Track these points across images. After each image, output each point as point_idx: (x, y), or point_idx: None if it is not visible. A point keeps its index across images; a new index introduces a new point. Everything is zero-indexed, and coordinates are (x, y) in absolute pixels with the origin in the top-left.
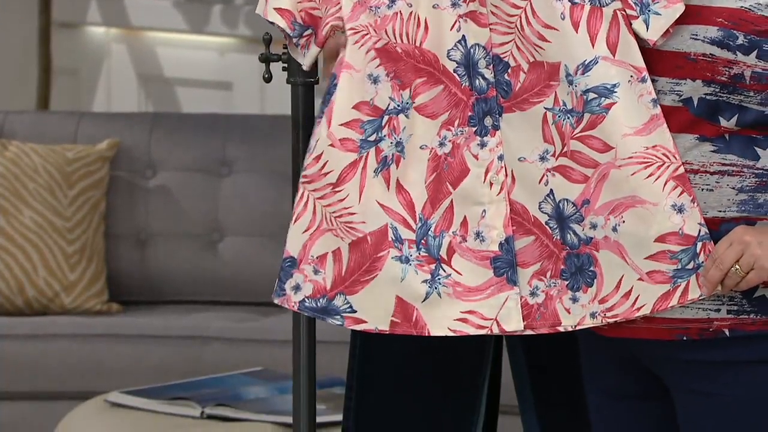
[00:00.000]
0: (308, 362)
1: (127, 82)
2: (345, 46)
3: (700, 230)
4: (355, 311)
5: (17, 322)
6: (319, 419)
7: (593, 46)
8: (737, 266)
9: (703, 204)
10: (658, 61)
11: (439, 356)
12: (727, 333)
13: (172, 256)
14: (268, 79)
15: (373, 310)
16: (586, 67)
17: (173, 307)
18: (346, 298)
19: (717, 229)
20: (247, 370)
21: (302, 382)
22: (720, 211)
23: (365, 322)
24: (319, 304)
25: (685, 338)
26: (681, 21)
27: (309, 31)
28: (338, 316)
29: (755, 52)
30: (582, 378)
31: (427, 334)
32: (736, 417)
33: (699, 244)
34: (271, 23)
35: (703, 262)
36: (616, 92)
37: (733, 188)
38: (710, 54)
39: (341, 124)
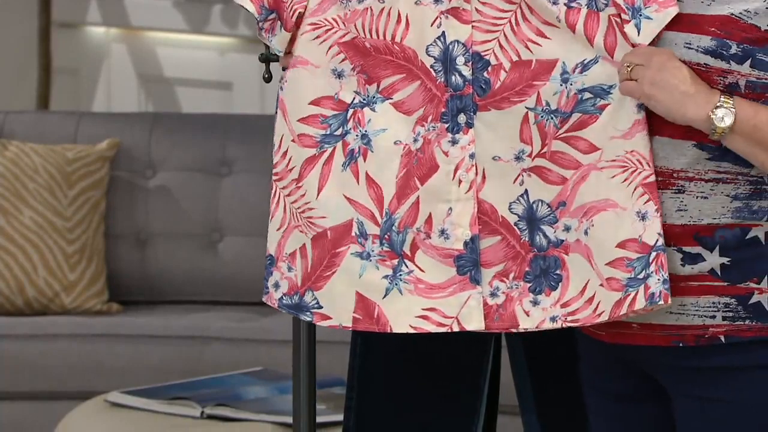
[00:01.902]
0: (308, 362)
1: (127, 82)
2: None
3: (657, 240)
4: (322, 307)
5: (17, 322)
6: (319, 419)
7: (592, 45)
8: (631, 67)
9: (698, 212)
10: None
11: (440, 357)
12: (723, 339)
13: (172, 256)
14: (268, 79)
15: (336, 306)
16: (585, 66)
17: (173, 307)
18: (313, 294)
19: (711, 235)
20: (247, 370)
21: (302, 382)
22: (714, 219)
23: (330, 318)
24: (293, 301)
25: (681, 344)
26: (673, 28)
27: (273, 15)
28: (308, 313)
29: (749, 61)
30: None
31: (389, 331)
32: (733, 422)
33: (653, 254)
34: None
35: (653, 272)
36: (611, 94)
37: (728, 196)
38: (704, 63)
39: (299, 120)
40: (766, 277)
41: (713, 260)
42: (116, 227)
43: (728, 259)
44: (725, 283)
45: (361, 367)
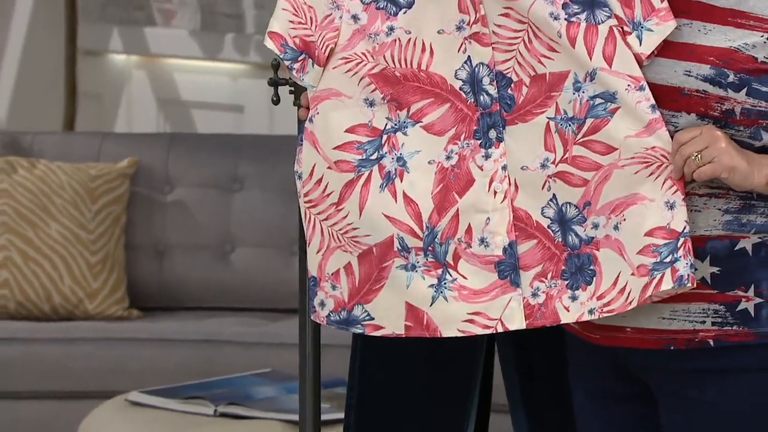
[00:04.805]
0: (313, 364)
1: (146, 105)
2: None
3: (685, 227)
4: (373, 318)
5: (45, 326)
6: (323, 417)
7: (591, 59)
8: (699, 155)
9: (692, 224)
10: (656, 94)
11: (433, 360)
12: (712, 343)
13: (187, 265)
14: (276, 101)
15: (388, 316)
16: (592, 75)
17: (189, 313)
18: (363, 308)
19: (703, 246)
20: (257, 372)
21: (308, 382)
22: (706, 231)
23: (383, 327)
24: (341, 317)
25: (672, 348)
26: (674, 56)
27: (303, 56)
28: (359, 325)
29: (745, 90)
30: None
31: (439, 336)
32: (719, 422)
33: (681, 240)
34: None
35: (681, 256)
36: (618, 98)
37: (720, 209)
38: (703, 90)
39: (335, 148)
40: (752, 286)
41: (704, 269)
42: (136, 239)
43: (718, 268)
44: (715, 291)
45: (362, 370)
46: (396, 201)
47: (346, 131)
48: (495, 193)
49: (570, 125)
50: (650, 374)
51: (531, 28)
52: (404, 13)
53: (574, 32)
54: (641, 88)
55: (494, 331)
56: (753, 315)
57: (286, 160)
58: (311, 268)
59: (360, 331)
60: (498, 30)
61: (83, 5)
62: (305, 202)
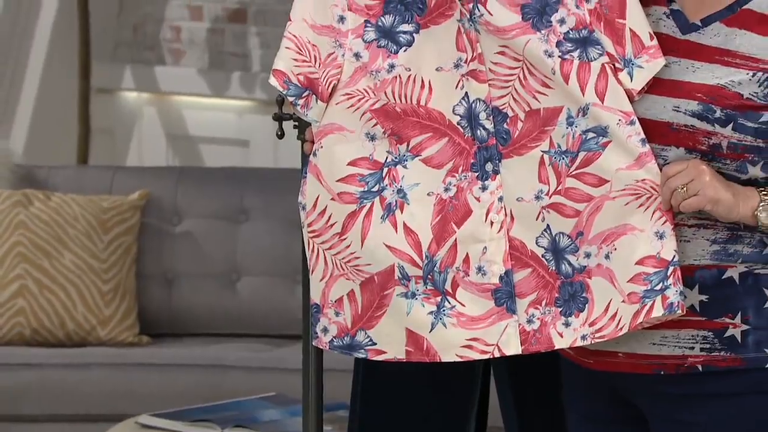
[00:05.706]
0: (316, 388)
1: (156, 140)
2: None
3: (674, 256)
4: (376, 343)
5: (59, 352)
6: None
7: (583, 94)
8: (685, 188)
9: (681, 254)
10: (646, 128)
11: (433, 384)
12: (701, 368)
13: (195, 293)
14: (280, 135)
15: (389, 342)
16: (585, 110)
17: (196, 339)
18: (366, 333)
19: (692, 275)
20: (262, 395)
21: (311, 405)
22: (695, 260)
23: (385, 352)
24: (344, 342)
25: (662, 372)
26: (664, 93)
27: (307, 93)
28: (362, 350)
29: (731, 125)
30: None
31: (438, 360)
32: None
33: (671, 268)
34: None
35: (671, 284)
36: (609, 132)
37: (708, 240)
38: (691, 125)
39: (338, 180)
40: (739, 314)
41: (693, 297)
42: (146, 268)
43: (706, 296)
44: (703, 318)
45: (363, 393)
46: (396, 231)
47: (349, 164)
48: (491, 223)
49: (563, 158)
50: (642, 398)
51: (526, 65)
52: (404, 51)
53: (568, 69)
54: (632, 123)
55: (491, 356)
56: (740, 341)
57: (290, 192)
58: (314, 296)
59: (363, 355)
60: (494, 67)
61: (96, 45)
62: (309, 232)
